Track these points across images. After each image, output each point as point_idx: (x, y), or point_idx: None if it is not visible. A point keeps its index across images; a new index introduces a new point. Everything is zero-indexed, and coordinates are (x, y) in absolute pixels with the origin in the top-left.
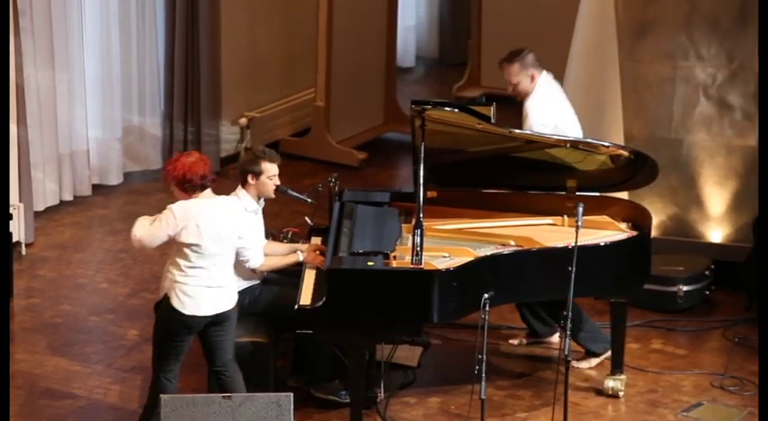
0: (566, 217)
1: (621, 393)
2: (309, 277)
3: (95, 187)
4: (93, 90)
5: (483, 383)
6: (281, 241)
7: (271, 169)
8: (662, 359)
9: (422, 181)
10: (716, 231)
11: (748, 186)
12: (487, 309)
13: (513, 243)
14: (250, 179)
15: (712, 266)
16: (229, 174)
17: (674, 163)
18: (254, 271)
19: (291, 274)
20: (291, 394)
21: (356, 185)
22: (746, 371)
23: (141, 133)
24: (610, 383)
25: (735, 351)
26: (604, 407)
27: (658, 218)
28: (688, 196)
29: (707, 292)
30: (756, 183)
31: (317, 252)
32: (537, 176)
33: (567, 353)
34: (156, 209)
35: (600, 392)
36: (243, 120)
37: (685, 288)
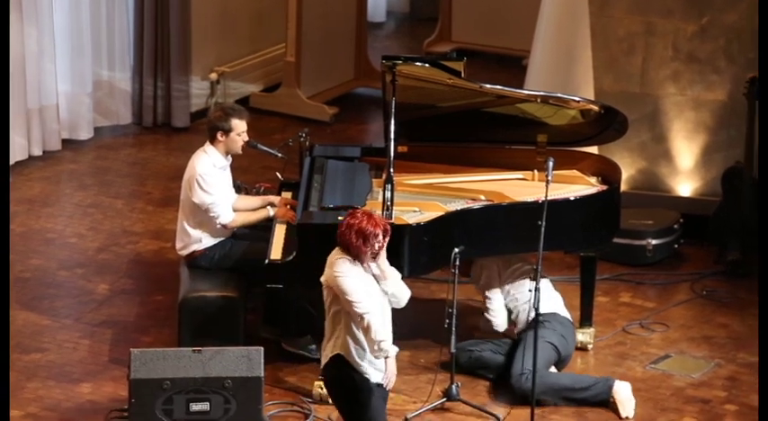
0: (536, 171)
1: (590, 346)
2: (280, 232)
3: (65, 142)
4: (63, 44)
5: (453, 337)
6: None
7: (240, 126)
8: (631, 312)
9: (392, 136)
10: (685, 185)
11: (717, 140)
12: (458, 263)
13: (483, 198)
14: (219, 136)
15: (681, 220)
16: (199, 129)
17: (643, 117)
18: (224, 227)
19: (262, 229)
20: (261, 348)
21: (327, 140)
22: (714, 323)
23: (111, 88)
24: (579, 336)
25: (703, 303)
26: (573, 359)
27: (628, 172)
28: (657, 150)
29: (676, 246)
30: (726, 136)
31: (288, 206)
32: (507, 131)
33: (536, 304)
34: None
35: None
36: (213, 76)
37: (654, 241)
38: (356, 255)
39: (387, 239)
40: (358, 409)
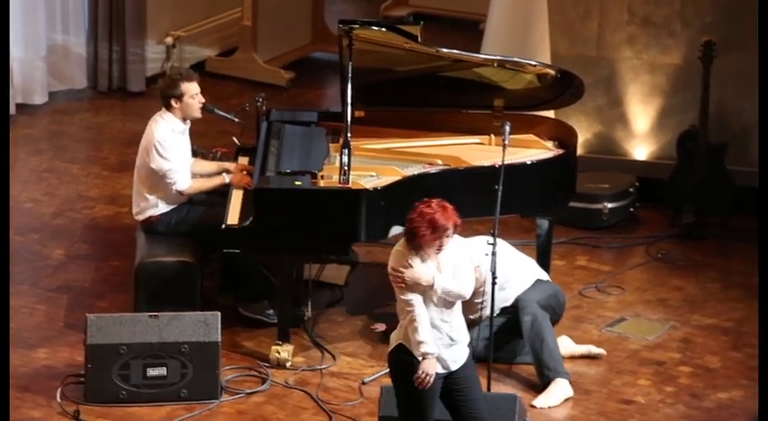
0: (492, 136)
1: None
2: (237, 196)
3: (19, 106)
4: (15, 7)
5: None
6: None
7: (191, 88)
8: (587, 275)
9: (349, 100)
10: (640, 149)
11: (672, 104)
12: None
13: (440, 162)
14: (173, 103)
15: (637, 183)
16: (155, 94)
17: (599, 81)
18: (180, 193)
19: (219, 194)
20: (219, 313)
21: (283, 105)
22: (669, 286)
23: (65, 52)
24: None
25: (658, 266)
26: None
27: (584, 136)
28: (613, 114)
29: (631, 209)
30: (681, 100)
31: (244, 172)
32: (464, 95)
33: (493, 271)
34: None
35: None
36: (169, 40)
37: (610, 205)
38: (419, 245)
39: (455, 234)
40: (411, 395)
